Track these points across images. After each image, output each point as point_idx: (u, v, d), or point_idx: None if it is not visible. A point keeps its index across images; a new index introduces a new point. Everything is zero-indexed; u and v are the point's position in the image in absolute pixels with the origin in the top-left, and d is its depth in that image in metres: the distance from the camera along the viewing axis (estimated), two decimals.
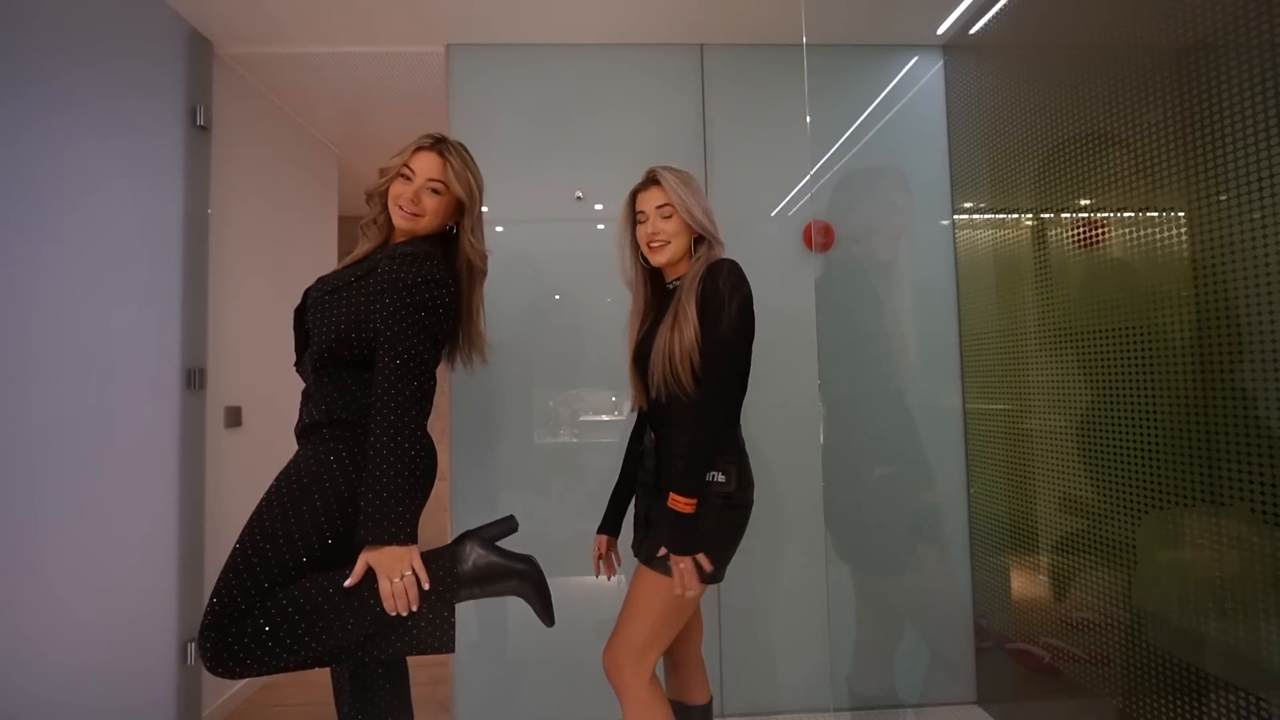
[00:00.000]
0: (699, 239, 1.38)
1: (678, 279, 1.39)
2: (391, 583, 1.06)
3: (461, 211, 1.37)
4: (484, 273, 1.40)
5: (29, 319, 1.41)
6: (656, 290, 1.46)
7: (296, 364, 1.35)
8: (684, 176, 1.38)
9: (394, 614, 1.07)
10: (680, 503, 1.19)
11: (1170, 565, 1.31)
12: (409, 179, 1.31)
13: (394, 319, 1.14)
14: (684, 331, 1.26)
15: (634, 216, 1.42)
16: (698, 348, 1.25)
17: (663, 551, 1.20)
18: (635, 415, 1.49)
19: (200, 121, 1.96)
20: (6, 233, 1.37)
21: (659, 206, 1.36)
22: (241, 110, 2.22)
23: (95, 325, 1.58)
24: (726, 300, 1.25)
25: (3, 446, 1.34)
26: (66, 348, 1.50)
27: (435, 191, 1.31)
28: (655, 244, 1.35)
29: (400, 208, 1.30)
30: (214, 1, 1.83)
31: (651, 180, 1.39)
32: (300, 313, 1.32)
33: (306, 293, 1.30)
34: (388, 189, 1.33)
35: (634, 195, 1.42)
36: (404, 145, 1.36)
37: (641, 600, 1.26)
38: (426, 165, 1.31)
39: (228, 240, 2.12)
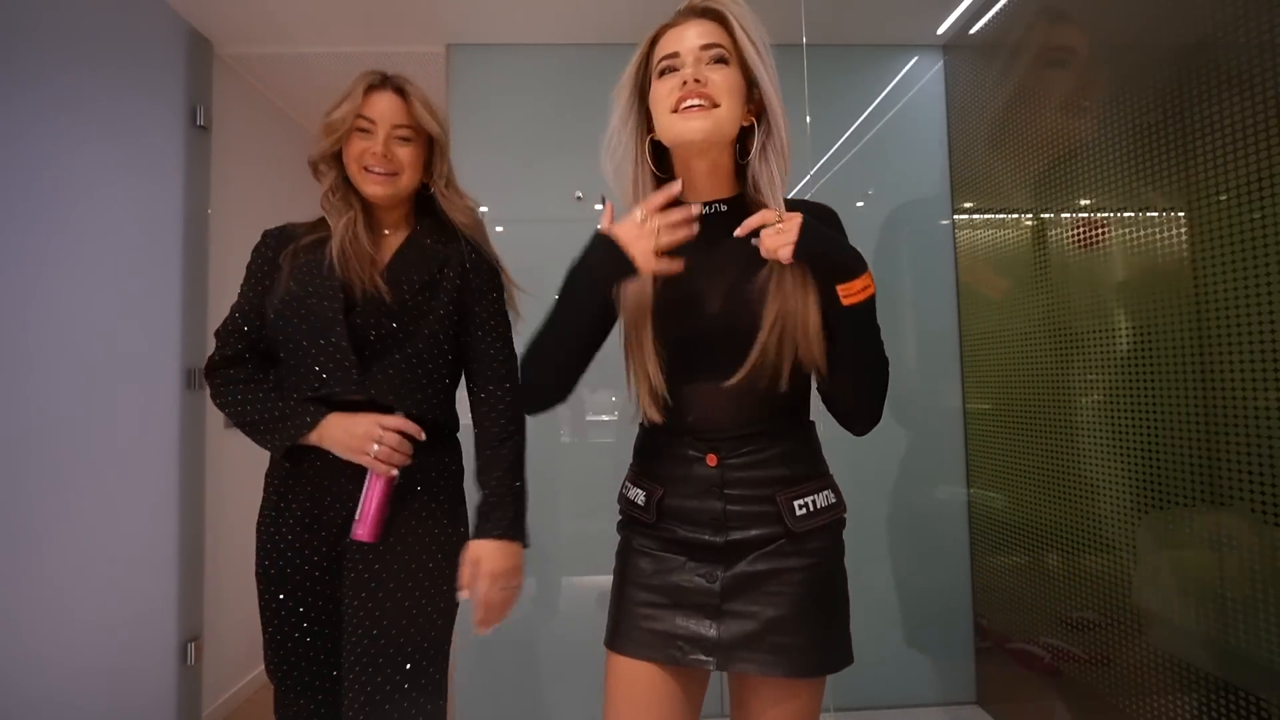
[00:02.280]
0: (759, 120, 0.85)
1: (719, 201, 0.88)
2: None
3: (431, 160, 1.10)
4: (480, 225, 1.15)
5: (29, 319, 1.41)
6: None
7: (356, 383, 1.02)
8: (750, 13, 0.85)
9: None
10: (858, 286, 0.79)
11: (1170, 565, 1.31)
12: (369, 131, 1.04)
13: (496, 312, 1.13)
14: (807, 298, 0.80)
15: (649, 72, 0.87)
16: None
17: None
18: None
19: (200, 121, 1.96)
20: (6, 232, 1.37)
21: (709, 46, 0.82)
22: (241, 110, 2.22)
23: (95, 325, 1.58)
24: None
25: (3, 446, 1.34)
26: (67, 347, 1.50)
27: (405, 140, 1.05)
28: (693, 103, 0.80)
29: (368, 169, 1.03)
30: (214, 1, 1.83)
31: (701, 10, 0.85)
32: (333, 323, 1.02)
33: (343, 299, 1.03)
34: (341, 150, 1.06)
35: (657, 36, 0.87)
36: (345, 90, 1.07)
37: None
38: (385, 108, 1.04)
39: (228, 240, 2.12)
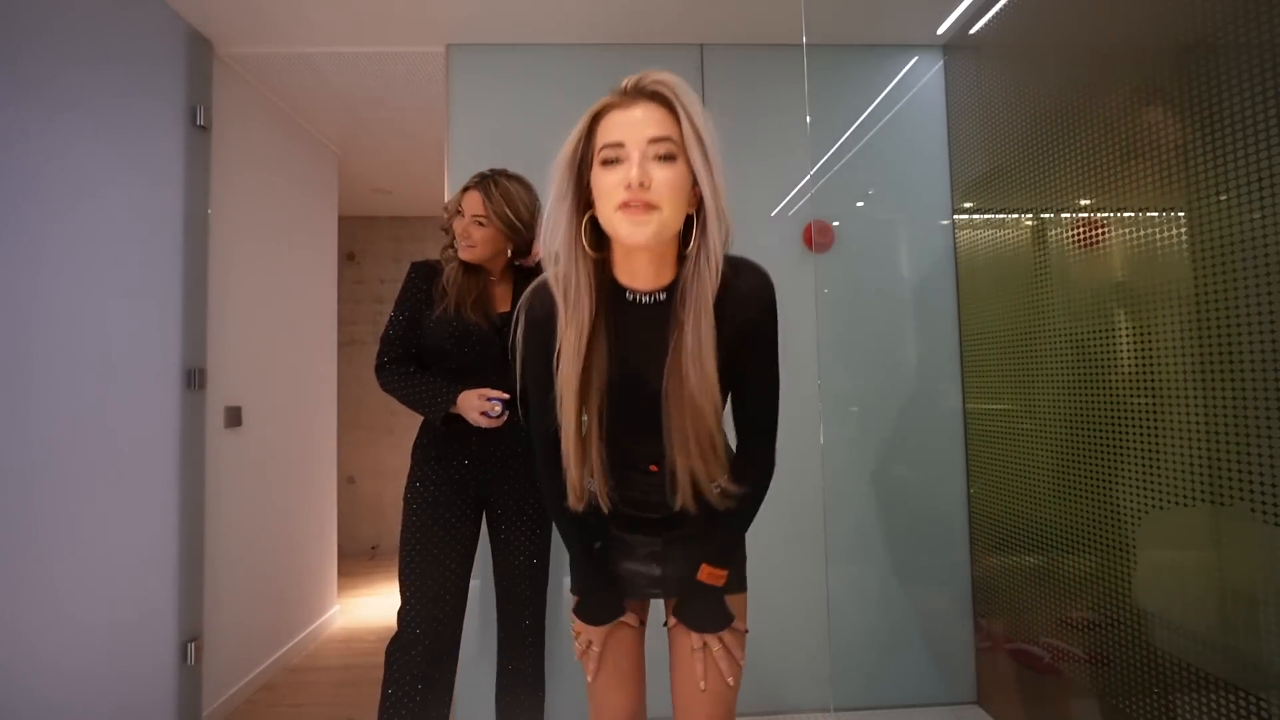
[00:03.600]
0: (697, 214, 0.84)
1: (659, 290, 0.88)
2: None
3: (514, 237, 1.53)
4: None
5: (29, 319, 1.41)
6: (611, 298, 0.89)
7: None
8: (697, 100, 0.83)
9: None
10: (715, 575, 0.97)
11: (1170, 565, 1.31)
12: (461, 215, 1.51)
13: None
14: (704, 409, 0.85)
15: (591, 150, 0.84)
16: (720, 430, 0.90)
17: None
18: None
19: (200, 121, 1.96)
20: (7, 233, 1.37)
21: (656, 140, 0.79)
22: (241, 110, 2.22)
23: (95, 325, 1.58)
24: (773, 319, 0.92)
25: (3, 446, 1.34)
26: (67, 347, 1.50)
27: (480, 224, 1.48)
28: (636, 206, 0.78)
29: (460, 243, 1.51)
30: (214, 1, 1.83)
31: (650, 93, 0.82)
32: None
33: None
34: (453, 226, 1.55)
35: (598, 116, 0.84)
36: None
37: (730, 684, 0.99)
38: (471, 202, 1.49)
39: (228, 240, 2.12)
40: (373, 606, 3.12)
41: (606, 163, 0.81)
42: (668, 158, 0.80)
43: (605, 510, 0.97)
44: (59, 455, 1.47)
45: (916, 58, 2.07)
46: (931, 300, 2.04)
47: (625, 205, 0.78)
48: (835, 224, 2.04)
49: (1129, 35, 1.38)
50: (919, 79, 2.07)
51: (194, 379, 1.91)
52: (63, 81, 1.51)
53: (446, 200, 1.63)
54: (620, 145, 0.80)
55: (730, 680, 0.98)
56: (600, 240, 0.88)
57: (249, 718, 2.07)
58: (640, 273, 0.88)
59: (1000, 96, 1.81)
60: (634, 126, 0.80)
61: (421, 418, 1.56)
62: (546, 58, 2.02)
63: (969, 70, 1.96)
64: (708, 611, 0.99)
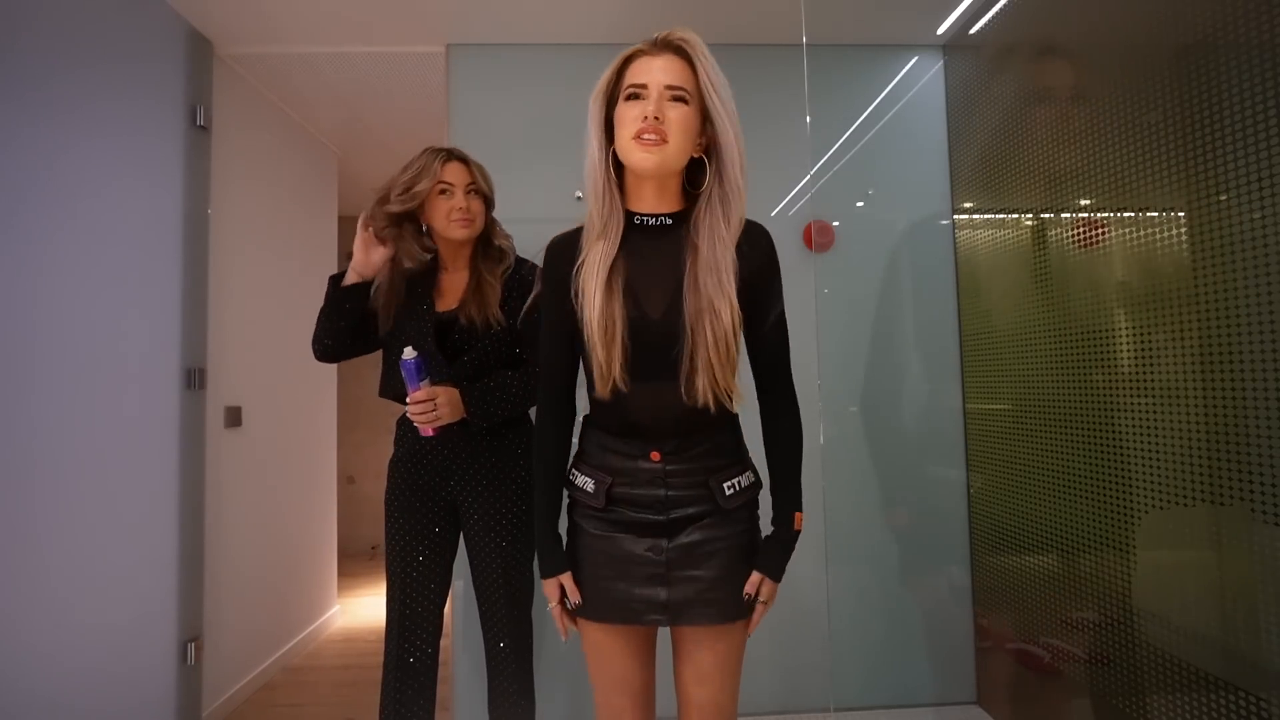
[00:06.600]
0: (701, 161, 0.99)
1: (664, 215, 1.00)
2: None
3: (489, 209, 1.47)
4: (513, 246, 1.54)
5: (29, 319, 1.41)
6: (624, 222, 1.01)
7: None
8: (712, 58, 0.97)
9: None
10: (799, 519, 1.06)
11: (1170, 565, 1.31)
12: (449, 192, 1.39)
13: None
14: (721, 313, 0.93)
15: (619, 88, 0.97)
16: (738, 335, 0.96)
17: (756, 589, 1.02)
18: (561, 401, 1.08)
19: (200, 121, 1.96)
20: (6, 233, 1.37)
21: (671, 86, 0.94)
22: (241, 110, 2.22)
23: (95, 325, 1.58)
24: (778, 267, 1.04)
25: (3, 446, 1.34)
26: (66, 348, 1.50)
27: (477, 193, 1.41)
28: (649, 138, 0.91)
29: (453, 221, 1.38)
30: (214, 1, 1.83)
31: (673, 47, 0.96)
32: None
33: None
34: (420, 211, 1.40)
35: (629, 60, 0.98)
36: (414, 164, 1.39)
37: (734, 668, 1.04)
38: (459, 174, 1.40)
39: (228, 240, 2.12)
40: (373, 606, 3.12)
41: (630, 98, 0.94)
42: (682, 100, 0.94)
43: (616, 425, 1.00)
44: (59, 455, 1.47)
45: (916, 58, 2.07)
46: (931, 300, 2.04)
47: (639, 135, 0.91)
48: (835, 224, 2.04)
49: (1129, 35, 1.38)
50: (919, 79, 2.07)
51: (194, 379, 1.91)
52: (63, 81, 1.51)
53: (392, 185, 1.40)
54: (644, 86, 0.94)
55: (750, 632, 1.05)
56: (620, 169, 1.00)
57: (249, 718, 2.07)
58: (647, 197, 0.99)
59: (1000, 96, 1.81)
60: (656, 72, 0.94)
61: (395, 432, 1.53)
62: (546, 58, 2.02)
63: (969, 70, 1.96)
64: (783, 559, 1.06)
